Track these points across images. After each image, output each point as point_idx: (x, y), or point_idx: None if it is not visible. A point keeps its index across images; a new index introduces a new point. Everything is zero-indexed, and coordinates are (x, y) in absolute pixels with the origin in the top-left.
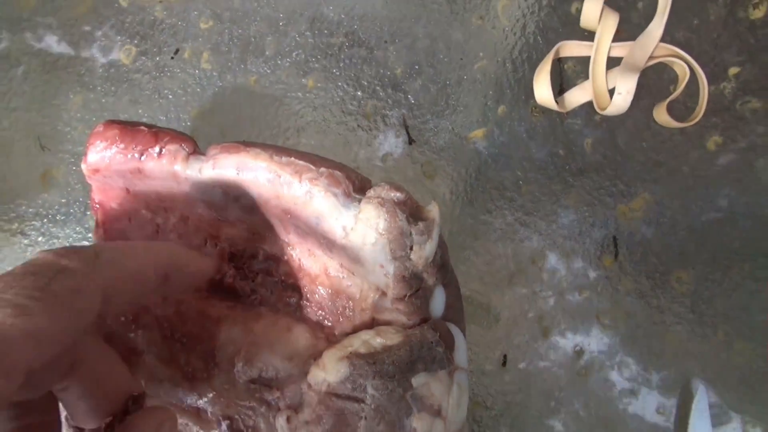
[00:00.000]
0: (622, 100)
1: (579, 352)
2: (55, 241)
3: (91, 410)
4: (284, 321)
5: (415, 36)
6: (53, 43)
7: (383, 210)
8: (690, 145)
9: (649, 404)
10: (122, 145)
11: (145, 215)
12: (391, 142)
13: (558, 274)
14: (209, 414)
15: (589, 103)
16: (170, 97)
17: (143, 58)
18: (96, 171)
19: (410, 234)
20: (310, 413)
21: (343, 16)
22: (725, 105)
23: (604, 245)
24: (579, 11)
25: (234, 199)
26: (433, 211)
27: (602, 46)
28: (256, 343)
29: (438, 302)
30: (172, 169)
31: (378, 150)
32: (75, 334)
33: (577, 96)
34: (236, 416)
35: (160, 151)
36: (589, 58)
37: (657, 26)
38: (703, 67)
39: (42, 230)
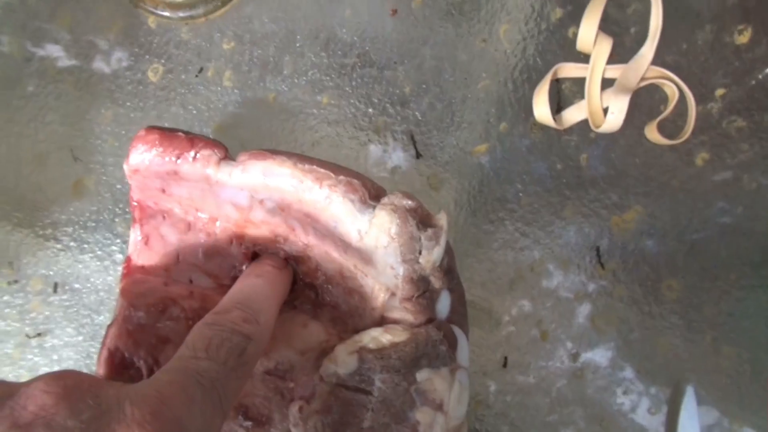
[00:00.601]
0: (615, 119)
1: (575, 355)
2: (85, 245)
3: None
4: (300, 317)
5: (423, 57)
6: (86, 62)
7: (396, 216)
8: (679, 161)
9: (641, 405)
10: (161, 149)
11: (178, 214)
12: (400, 156)
13: (555, 281)
14: None
15: (585, 121)
16: (194, 112)
17: (169, 76)
18: (136, 171)
19: (420, 239)
20: (320, 403)
21: (355, 38)
22: (712, 124)
23: (599, 254)
24: (575, 35)
25: (259, 202)
26: (442, 219)
27: (597, 68)
28: (274, 337)
29: (443, 305)
30: (204, 173)
31: (387, 163)
32: None
33: (573, 114)
34: (252, 405)
35: (195, 155)
36: (584, 79)
37: (648, 50)
38: (691, 89)
39: (73, 236)
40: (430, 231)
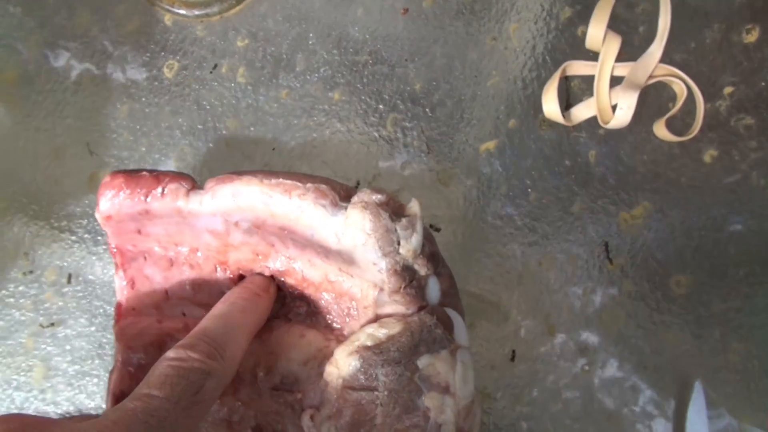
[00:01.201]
0: (623, 115)
1: (582, 349)
2: (99, 238)
3: None
4: (296, 329)
5: (433, 55)
6: (103, 58)
7: (367, 212)
8: (688, 157)
9: (648, 400)
10: (128, 191)
11: (159, 252)
12: (410, 152)
13: (563, 276)
14: (240, 425)
15: (594, 118)
16: (208, 108)
17: (184, 72)
18: (109, 218)
19: (395, 230)
20: (330, 408)
21: (367, 36)
22: (720, 121)
23: (607, 249)
24: (584, 34)
25: (235, 225)
26: (414, 206)
27: (606, 66)
28: (274, 352)
29: (433, 290)
30: (175, 206)
31: (397, 159)
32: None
33: (582, 111)
34: (265, 423)
35: (163, 191)
36: (593, 76)
37: (656, 48)
38: (699, 87)
39: (88, 228)
40: (404, 220)
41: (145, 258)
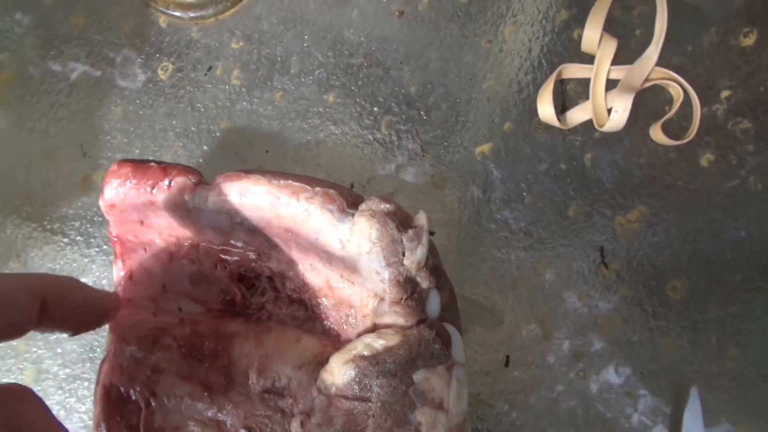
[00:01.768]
0: (619, 118)
1: (578, 355)
2: (92, 240)
3: None
4: (293, 332)
5: (429, 58)
6: (97, 60)
7: (375, 221)
8: (684, 162)
9: (644, 406)
10: (135, 181)
11: (159, 244)
12: (404, 155)
13: (559, 281)
14: (228, 425)
15: (590, 122)
16: (202, 110)
17: (179, 74)
18: (113, 206)
19: (401, 241)
20: (321, 416)
21: (362, 39)
22: (717, 125)
23: (603, 254)
24: (580, 37)
25: (239, 223)
26: (421, 219)
27: (601, 69)
28: (268, 354)
29: (433, 304)
30: (181, 200)
31: (392, 162)
32: None
33: (578, 114)
34: (254, 426)
35: (170, 183)
36: (589, 80)
37: (653, 51)
38: (696, 90)
39: (81, 230)
40: (411, 232)
41: (145, 249)
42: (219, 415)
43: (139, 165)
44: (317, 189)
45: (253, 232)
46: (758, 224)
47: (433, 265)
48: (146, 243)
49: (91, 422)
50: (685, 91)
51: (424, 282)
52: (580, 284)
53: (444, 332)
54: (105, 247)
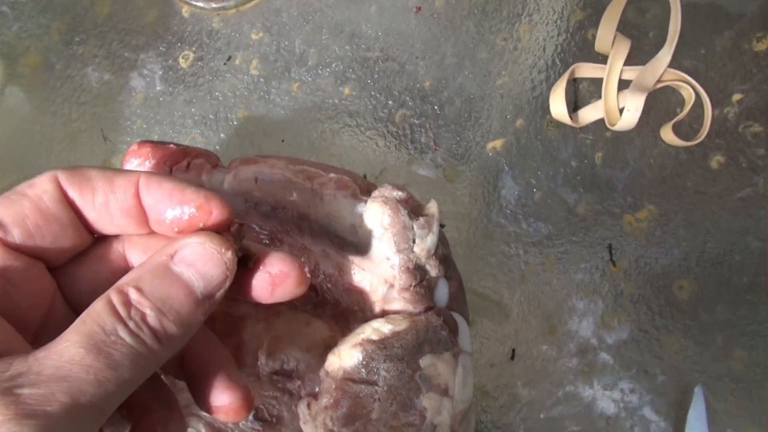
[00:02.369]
0: (630, 117)
1: (583, 351)
2: None
3: None
4: (302, 316)
5: (444, 53)
6: (121, 47)
7: (387, 207)
8: (694, 163)
9: (648, 404)
10: (154, 161)
11: None
12: (417, 148)
13: (566, 277)
14: None
15: (601, 121)
16: (220, 98)
17: (199, 63)
18: None
19: (412, 228)
20: (328, 399)
21: (379, 33)
22: (728, 128)
23: (611, 251)
24: (594, 37)
25: (253, 207)
26: (432, 207)
27: (614, 69)
28: (278, 337)
29: (442, 293)
30: (198, 181)
31: (404, 154)
32: None
33: (590, 113)
34: (261, 406)
35: (188, 165)
36: (602, 79)
37: (666, 53)
38: (708, 93)
39: None
40: (422, 219)
41: None
42: None
43: (159, 146)
44: (331, 175)
45: (267, 215)
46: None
47: (443, 254)
48: None
49: None
50: (697, 94)
51: (433, 270)
52: (587, 281)
53: (451, 320)
54: None
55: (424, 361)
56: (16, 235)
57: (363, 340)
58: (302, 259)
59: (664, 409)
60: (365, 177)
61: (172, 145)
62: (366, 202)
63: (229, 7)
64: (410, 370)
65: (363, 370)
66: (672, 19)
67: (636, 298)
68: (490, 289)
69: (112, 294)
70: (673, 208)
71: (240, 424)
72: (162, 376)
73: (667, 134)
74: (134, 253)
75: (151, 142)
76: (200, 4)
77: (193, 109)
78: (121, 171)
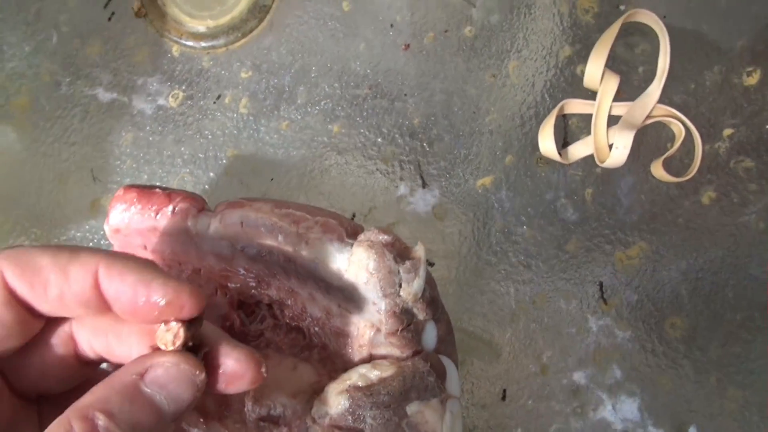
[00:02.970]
0: (619, 154)
1: (575, 391)
2: None
3: None
4: (289, 361)
5: (433, 90)
6: (111, 87)
7: (372, 252)
8: (685, 199)
9: None
10: (140, 206)
11: (162, 269)
12: (407, 185)
13: (557, 315)
14: None
15: (591, 157)
16: (210, 137)
17: (189, 102)
18: (117, 231)
19: (398, 272)
20: None
21: (368, 71)
22: (720, 163)
23: (602, 289)
24: (583, 73)
25: (240, 251)
26: (419, 250)
27: (603, 105)
28: (264, 382)
29: (430, 336)
30: (184, 226)
31: (394, 192)
32: None
33: (579, 150)
34: None
35: (173, 209)
36: (591, 115)
37: (655, 88)
38: (699, 128)
39: None
40: (408, 263)
41: None
42: None
43: (145, 190)
44: (317, 218)
45: (253, 259)
46: (760, 264)
47: (431, 297)
48: None
49: None
50: (687, 129)
51: (420, 314)
52: (578, 319)
53: (439, 365)
54: None
55: (411, 408)
56: None
57: (349, 386)
58: (288, 302)
59: None
60: (354, 216)
61: (158, 190)
62: (352, 245)
63: (218, 46)
64: (397, 417)
65: (349, 417)
66: (661, 54)
67: (628, 337)
68: (480, 328)
69: (74, 421)
70: (665, 245)
71: None
72: None
73: (658, 170)
74: (83, 333)
75: (137, 186)
76: (190, 43)
77: (182, 148)
78: (77, 255)
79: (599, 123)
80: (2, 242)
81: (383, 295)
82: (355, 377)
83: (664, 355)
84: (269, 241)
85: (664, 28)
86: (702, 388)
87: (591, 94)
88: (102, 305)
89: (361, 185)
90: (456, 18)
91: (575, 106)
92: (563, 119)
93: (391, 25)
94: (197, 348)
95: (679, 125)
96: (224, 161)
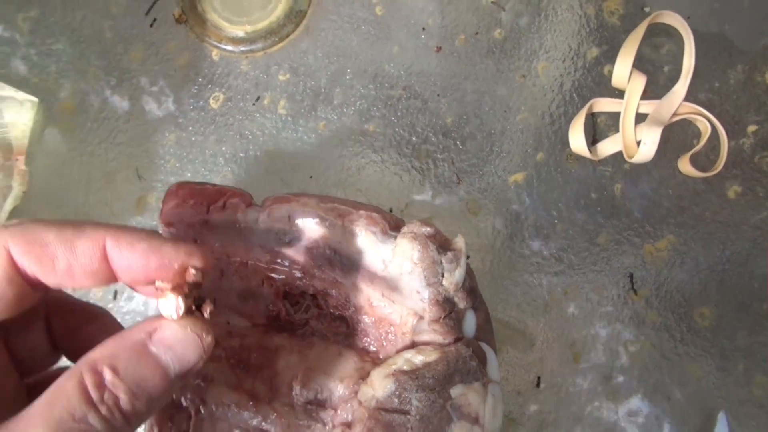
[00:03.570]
0: (647, 149)
1: (607, 378)
2: None
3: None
4: (334, 348)
5: (465, 91)
6: (153, 90)
7: (416, 243)
8: (712, 193)
9: (672, 431)
10: (192, 201)
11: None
12: (441, 182)
13: (588, 306)
14: None
15: (620, 153)
16: (250, 137)
17: (229, 103)
18: (170, 225)
19: (441, 263)
20: (361, 428)
21: (402, 72)
22: (744, 158)
23: (632, 280)
24: (610, 73)
25: (286, 243)
26: (460, 242)
27: (631, 103)
28: (311, 368)
29: (470, 324)
30: (233, 220)
31: (428, 188)
32: None
33: (608, 146)
34: None
35: (224, 204)
36: (619, 113)
37: (681, 87)
38: (723, 125)
39: None
40: (450, 254)
41: None
42: (263, 424)
43: (196, 186)
44: (361, 212)
45: (299, 251)
46: None
47: (470, 287)
48: None
49: (143, 427)
50: (713, 126)
51: (461, 302)
52: (609, 309)
53: (480, 350)
54: None
55: (455, 391)
56: None
57: (395, 370)
58: (332, 292)
59: None
60: (391, 211)
61: (208, 186)
62: (395, 237)
63: (256, 50)
64: (441, 399)
65: (396, 399)
66: (686, 54)
67: (658, 326)
68: (514, 318)
69: (85, 373)
70: (692, 238)
71: None
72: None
73: (685, 165)
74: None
75: (189, 183)
76: (229, 48)
77: (223, 148)
78: (82, 229)
79: (627, 120)
80: None
81: (427, 284)
82: (400, 362)
83: (692, 344)
84: (315, 234)
85: (689, 29)
86: (730, 375)
87: (618, 93)
88: (109, 275)
89: (396, 182)
90: (486, 21)
91: (604, 104)
92: (592, 117)
93: (423, 29)
94: (201, 307)
95: (704, 122)
96: (264, 160)
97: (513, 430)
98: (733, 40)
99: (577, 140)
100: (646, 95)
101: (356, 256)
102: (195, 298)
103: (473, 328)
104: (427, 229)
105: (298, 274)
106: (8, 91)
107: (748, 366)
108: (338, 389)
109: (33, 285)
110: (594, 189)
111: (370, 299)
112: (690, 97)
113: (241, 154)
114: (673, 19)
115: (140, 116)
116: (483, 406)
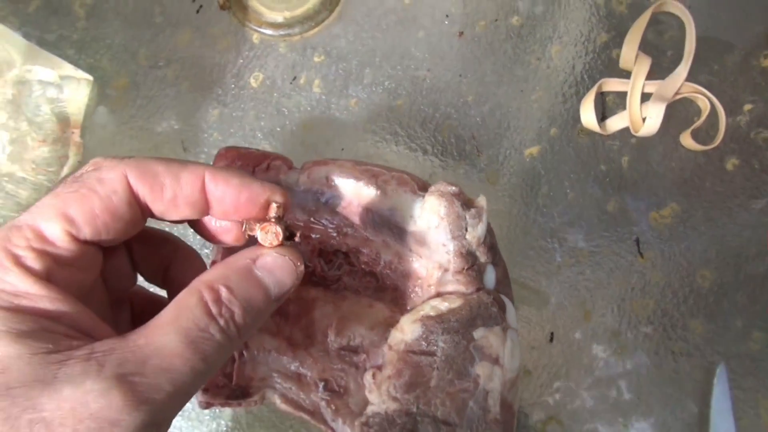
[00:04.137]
0: (652, 123)
1: (615, 334)
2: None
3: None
4: (365, 300)
5: (484, 72)
6: (200, 69)
7: (443, 199)
8: (711, 165)
9: (675, 382)
10: (239, 163)
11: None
12: (462, 154)
13: (598, 268)
14: (308, 378)
15: (627, 129)
16: (286, 113)
17: (267, 82)
18: None
19: (465, 218)
20: (391, 369)
21: (427, 55)
22: (741, 134)
23: (638, 244)
24: (618, 56)
25: (324, 203)
26: (482, 200)
27: (637, 83)
28: (345, 317)
29: (490, 277)
30: (276, 180)
31: (450, 160)
32: None
33: (616, 122)
34: (331, 378)
35: (268, 166)
36: (626, 93)
37: (683, 69)
38: (722, 103)
39: None
40: (473, 210)
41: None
42: (301, 368)
43: (243, 150)
44: (393, 173)
45: (334, 211)
46: None
47: (491, 243)
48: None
49: None
50: (712, 104)
51: (482, 256)
52: (617, 271)
53: (500, 299)
54: None
55: (477, 334)
56: (86, 233)
57: (423, 316)
58: (364, 250)
59: (690, 387)
60: None
61: (254, 150)
62: (423, 196)
63: (293, 34)
64: (465, 341)
65: (423, 342)
66: (687, 39)
67: (662, 287)
68: (529, 279)
69: (204, 290)
70: (694, 206)
71: (311, 394)
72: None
73: (686, 140)
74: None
75: (237, 147)
76: (269, 32)
77: (262, 123)
78: (185, 165)
79: (634, 98)
80: None
81: (452, 237)
82: (427, 308)
83: (694, 303)
84: (350, 194)
85: (690, 16)
86: (729, 332)
87: (626, 74)
88: (205, 207)
89: (421, 154)
90: (504, 9)
91: (612, 84)
92: (601, 96)
93: (447, 16)
94: (292, 235)
95: (704, 100)
96: (300, 134)
97: (528, 380)
98: (730, 27)
99: (587, 116)
100: (650, 76)
101: (387, 213)
102: (285, 228)
103: (493, 281)
104: (452, 188)
105: (333, 233)
106: (68, 69)
107: (746, 323)
108: (369, 336)
109: (143, 211)
110: (603, 161)
111: (399, 255)
112: (691, 78)
113: (278, 129)
114: (675, 7)
115: (186, 94)
116: (503, 348)
